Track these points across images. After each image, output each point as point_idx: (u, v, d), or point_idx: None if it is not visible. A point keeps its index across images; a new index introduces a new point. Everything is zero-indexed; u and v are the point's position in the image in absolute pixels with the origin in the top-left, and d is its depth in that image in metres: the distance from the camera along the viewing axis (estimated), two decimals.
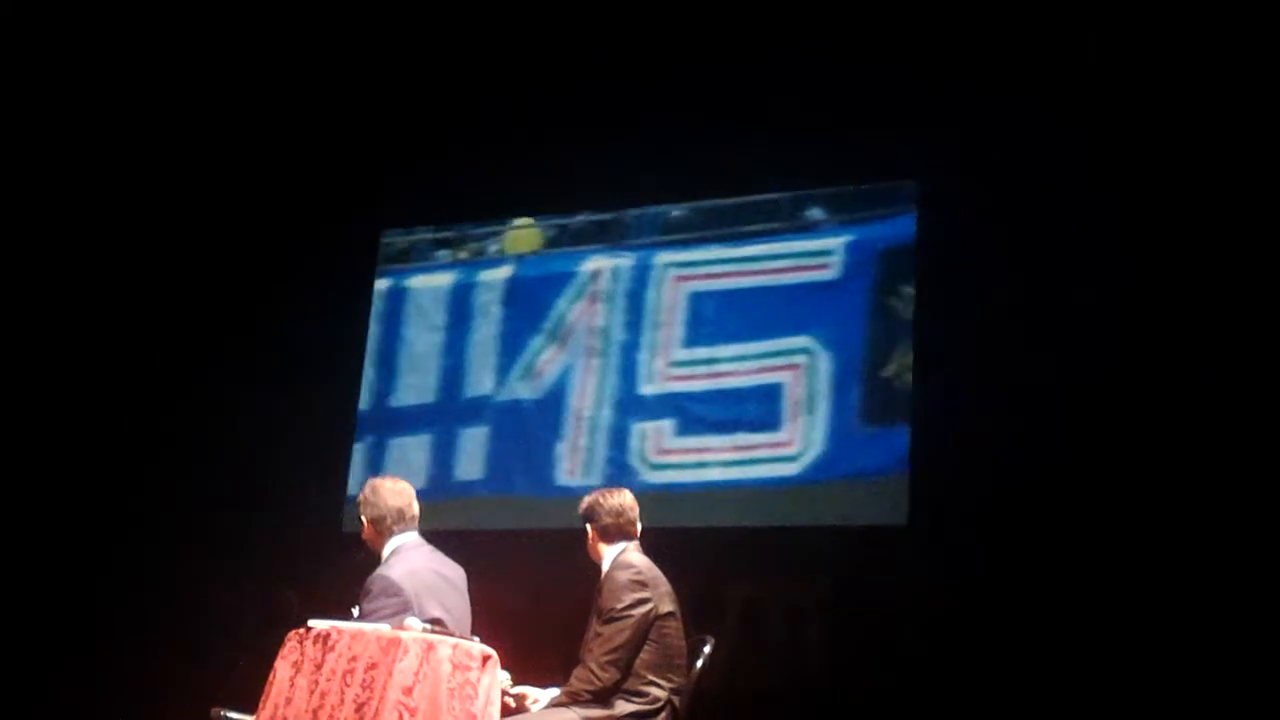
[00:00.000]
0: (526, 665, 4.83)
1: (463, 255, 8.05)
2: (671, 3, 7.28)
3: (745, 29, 7.17)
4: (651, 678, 4.64)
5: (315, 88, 8.04)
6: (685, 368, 7.36)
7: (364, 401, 8.02)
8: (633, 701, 4.61)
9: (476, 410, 7.78)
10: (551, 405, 7.61)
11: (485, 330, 7.86)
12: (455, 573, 4.84)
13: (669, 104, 7.30)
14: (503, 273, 7.94)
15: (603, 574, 4.81)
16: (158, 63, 7.98)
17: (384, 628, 4.33)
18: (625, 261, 7.65)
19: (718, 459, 7.16)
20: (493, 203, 7.93)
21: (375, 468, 7.60)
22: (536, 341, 7.74)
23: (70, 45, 7.90)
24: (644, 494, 5.23)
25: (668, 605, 4.72)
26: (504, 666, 4.52)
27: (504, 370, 7.77)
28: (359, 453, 7.90)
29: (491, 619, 4.88)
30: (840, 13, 7.03)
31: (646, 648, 4.65)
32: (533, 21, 7.53)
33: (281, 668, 4.33)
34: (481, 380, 7.81)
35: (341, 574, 5.55)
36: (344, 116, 8.08)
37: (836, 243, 7.19)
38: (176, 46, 7.92)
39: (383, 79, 7.95)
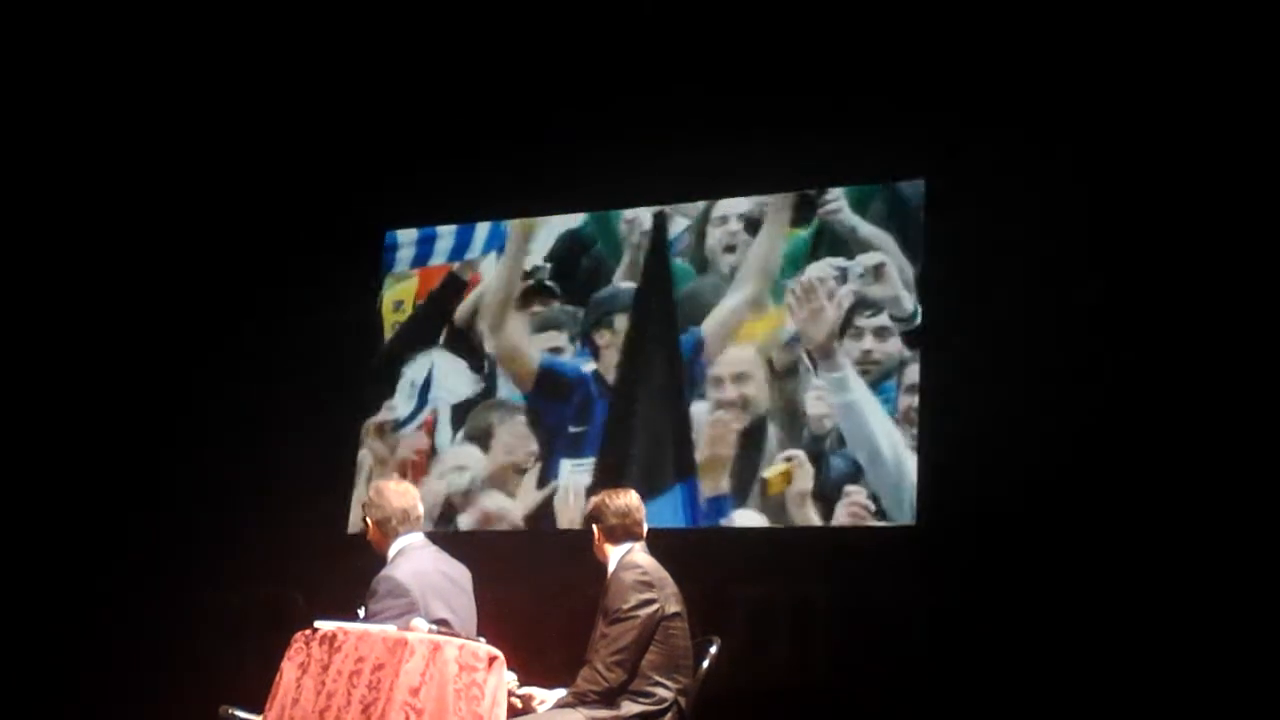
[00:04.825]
0: (533, 666, 4.83)
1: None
2: (670, 5, 7.28)
3: (747, 27, 7.16)
4: (658, 678, 4.64)
5: (318, 86, 8.04)
6: None
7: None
8: (639, 702, 4.61)
9: None
10: None
11: None
12: (461, 573, 4.85)
13: (670, 103, 7.28)
14: None
15: (609, 574, 4.81)
16: (158, 62, 7.98)
17: (390, 629, 4.34)
18: None
19: None
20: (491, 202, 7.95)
21: None
22: None
23: (73, 43, 7.91)
24: None
25: (674, 606, 4.72)
26: (510, 667, 4.52)
27: None
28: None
29: (497, 620, 4.89)
30: (846, 10, 7.04)
31: (653, 648, 4.65)
32: (530, 24, 7.54)
33: (288, 669, 4.34)
34: None
35: (347, 575, 5.55)
36: (349, 117, 8.08)
37: None
38: (178, 45, 7.92)
39: (380, 82, 7.96)
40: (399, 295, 8.06)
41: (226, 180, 8.23)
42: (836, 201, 7.16)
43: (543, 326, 7.70)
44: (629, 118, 7.38)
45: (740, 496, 6.94)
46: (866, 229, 7.05)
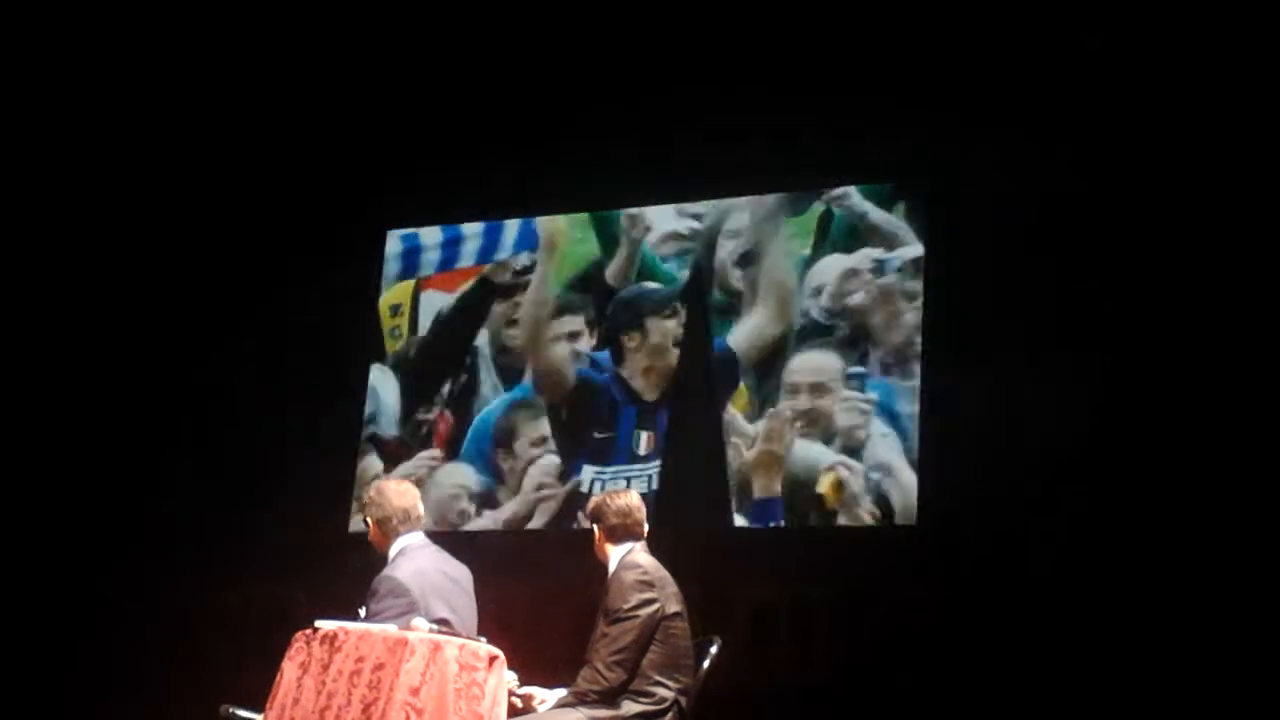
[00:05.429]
0: (533, 666, 4.83)
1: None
2: (672, 7, 7.28)
3: (748, 28, 7.17)
4: (658, 678, 4.64)
5: (318, 87, 8.04)
6: None
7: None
8: (639, 702, 4.61)
9: None
10: None
11: None
12: (461, 573, 4.85)
13: (667, 106, 7.29)
14: None
15: (609, 574, 4.81)
16: (160, 62, 7.98)
17: (391, 628, 4.34)
18: None
19: None
20: (493, 202, 7.94)
21: None
22: None
23: (75, 43, 7.91)
24: None
25: (674, 605, 4.73)
26: (510, 667, 4.52)
27: None
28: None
29: (498, 619, 4.89)
30: (845, 13, 7.05)
31: (653, 648, 4.65)
32: (534, 22, 7.55)
33: (288, 668, 4.34)
34: None
35: (348, 574, 5.55)
36: (351, 116, 8.08)
37: None
38: (180, 45, 7.92)
39: (384, 80, 7.96)
40: (396, 299, 8.03)
41: (227, 180, 8.23)
42: (843, 189, 7.13)
43: (559, 311, 7.59)
44: (628, 118, 7.40)
45: (798, 516, 6.86)
46: (878, 214, 7.01)
